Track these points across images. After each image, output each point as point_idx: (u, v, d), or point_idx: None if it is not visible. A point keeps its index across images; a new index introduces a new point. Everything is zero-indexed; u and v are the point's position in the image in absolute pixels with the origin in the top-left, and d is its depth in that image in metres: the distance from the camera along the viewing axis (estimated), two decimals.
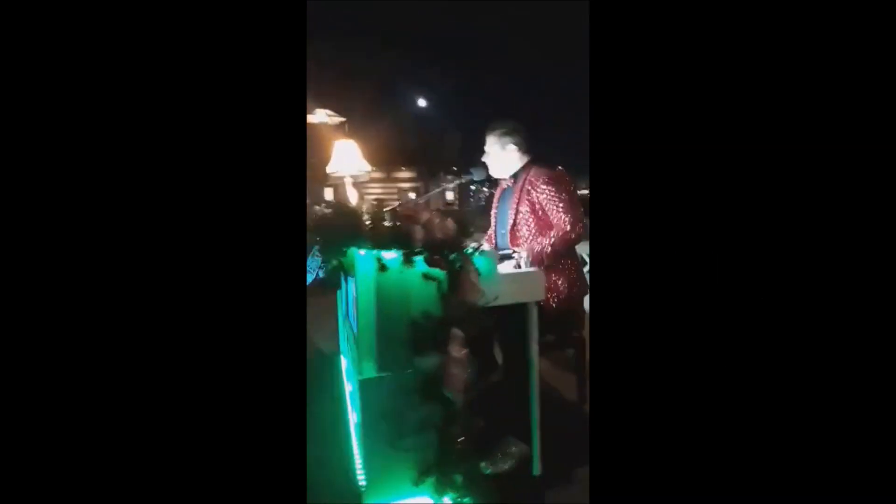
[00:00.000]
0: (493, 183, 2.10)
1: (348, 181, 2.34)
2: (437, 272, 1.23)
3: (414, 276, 1.27)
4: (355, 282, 1.41)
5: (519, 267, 1.47)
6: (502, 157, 1.84)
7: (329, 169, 2.35)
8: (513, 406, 1.51)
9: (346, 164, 2.33)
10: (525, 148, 1.85)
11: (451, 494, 1.34)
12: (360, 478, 1.48)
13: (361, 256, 1.27)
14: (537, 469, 1.54)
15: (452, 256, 1.22)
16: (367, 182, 2.45)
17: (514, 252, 1.51)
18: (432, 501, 1.36)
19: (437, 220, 1.19)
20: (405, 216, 1.19)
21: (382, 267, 1.22)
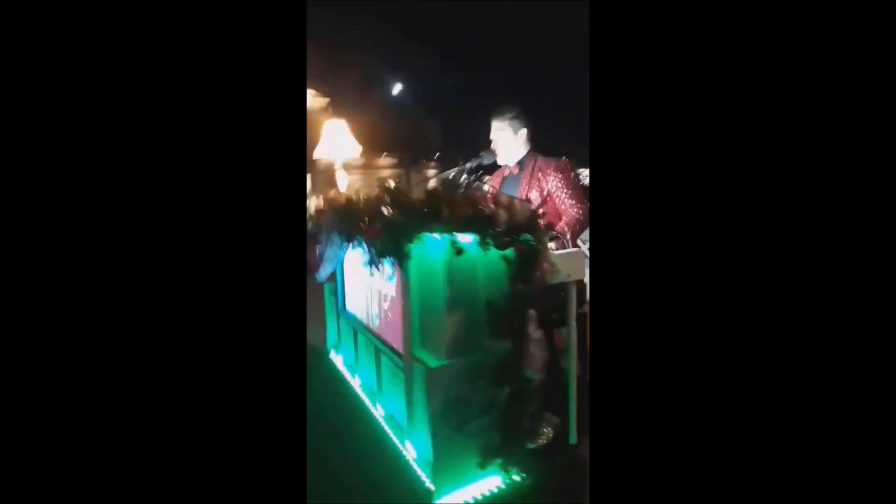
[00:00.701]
0: (472, 171, 2.09)
1: (339, 165, 2.20)
2: (508, 253, 1.24)
3: (484, 259, 1.26)
4: (408, 269, 1.35)
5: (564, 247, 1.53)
6: (513, 142, 1.87)
7: (318, 153, 2.19)
8: (553, 382, 1.58)
9: (338, 147, 2.19)
10: (532, 135, 1.90)
11: (515, 470, 1.38)
12: (414, 466, 1.45)
13: (435, 241, 1.23)
14: (573, 438, 1.64)
15: (524, 238, 1.24)
16: (351, 168, 2.31)
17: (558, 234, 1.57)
18: (500, 480, 1.38)
19: (517, 203, 1.19)
20: (491, 200, 1.18)
21: (458, 251, 1.20)
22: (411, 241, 1.24)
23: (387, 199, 1.26)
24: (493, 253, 1.23)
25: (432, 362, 1.31)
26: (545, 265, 1.22)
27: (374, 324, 1.82)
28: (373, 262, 1.52)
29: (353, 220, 1.55)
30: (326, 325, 2.46)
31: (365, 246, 1.46)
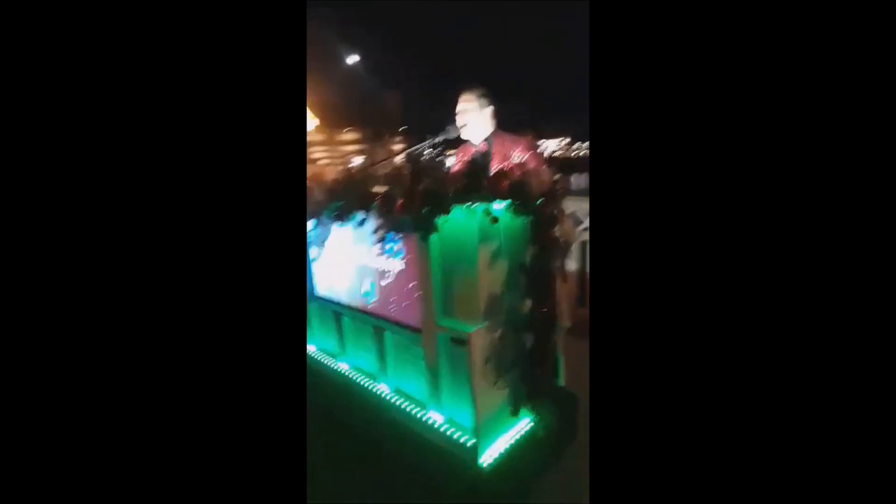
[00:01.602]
0: (438, 145, 2.13)
1: None
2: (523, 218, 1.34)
3: (507, 224, 1.34)
4: (441, 239, 1.36)
5: None
6: (479, 119, 1.93)
7: None
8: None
9: None
10: (496, 113, 1.99)
11: (544, 411, 1.54)
12: (446, 430, 1.51)
13: (468, 211, 1.27)
14: (562, 380, 1.85)
15: (541, 202, 1.35)
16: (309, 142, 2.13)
17: None
18: (530, 420, 1.53)
19: (542, 171, 1.29)
20: (525, 169, 1.25)
21: (494, 219, 1.26)
22: (447, 213, 1.26)
23: (418, 172, 1.25)
24: (514, 218, 1.32)
25: (467, 328, 1.37)
26: (566, 225, 1.35)
27: (369, 303, 1.78)
28: (383, 238, 1.49)
29: (356, 197, 1.48)
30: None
31: (379, 222, 1.42)
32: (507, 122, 2.06)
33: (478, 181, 1.18)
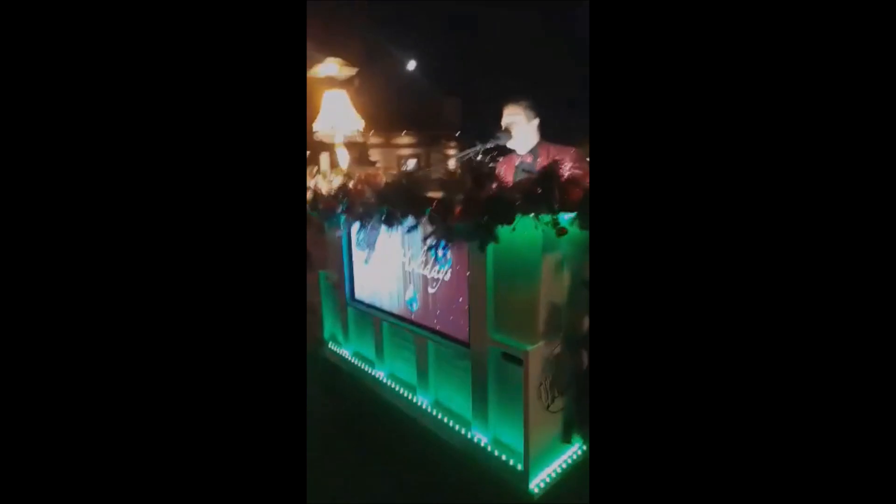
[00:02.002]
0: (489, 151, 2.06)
1: (339, 141, 1.98)
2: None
3: (577, 237, 1.25)
4: (497, 249, 1.29)
5: None
6: (526, 129, 1.87)
7: (317, 126, 1.95)
8: None
9: (338, 120, 1.97)
10: (541, 124, 1.92)
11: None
12: (492, 451, 1.43)
13: (534, 221, 1.19)
14: None
15: None
16: (360, 144, 2.11)
17: None
18: (580, 446, 1.43)
19: None
20: (582, 178, 1.17)
21: (560, 231, 1.17)
22: (511, 223, 1.19)
23: (481, 179, 1.18)
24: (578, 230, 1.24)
25: (522, 344, 1.29)
26: None
27: (413, 311, 1.71)
28: (435, 246, 1.43)
29: (407, 201, 1.43)
30: (325, 318, 2.25)
31: (430, 228, 1.36)
32: (552, 131, 2.00)
33: (549, 190, 1.10)
